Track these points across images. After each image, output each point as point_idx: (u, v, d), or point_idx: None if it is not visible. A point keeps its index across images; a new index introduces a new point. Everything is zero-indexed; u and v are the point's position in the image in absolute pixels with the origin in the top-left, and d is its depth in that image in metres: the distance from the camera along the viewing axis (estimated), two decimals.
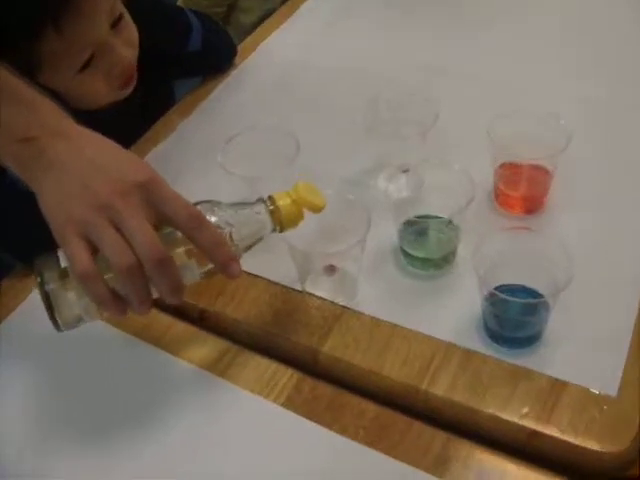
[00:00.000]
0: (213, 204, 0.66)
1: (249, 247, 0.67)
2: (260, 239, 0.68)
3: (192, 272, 0.64)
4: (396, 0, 1.26)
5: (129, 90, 0.97)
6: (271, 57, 1.17)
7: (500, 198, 0.84)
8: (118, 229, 0.58)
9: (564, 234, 0.73)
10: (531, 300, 0.67)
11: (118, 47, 0.91)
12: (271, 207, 0.67)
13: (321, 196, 0.69)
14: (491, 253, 0.69)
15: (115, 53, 0.91)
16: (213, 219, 0.64)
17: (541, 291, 0.69)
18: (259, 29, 1.24)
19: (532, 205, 0.84)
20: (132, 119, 1.09)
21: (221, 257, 0.62)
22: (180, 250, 0.63)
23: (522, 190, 0.84)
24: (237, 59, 1.16)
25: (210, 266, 0.64)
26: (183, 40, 1.08)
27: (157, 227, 0.61)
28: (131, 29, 0.94)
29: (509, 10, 1.20)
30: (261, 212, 0.67)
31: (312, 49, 1.17)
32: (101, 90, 0.94)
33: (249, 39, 1.22)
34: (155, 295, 0.62)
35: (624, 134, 0.92)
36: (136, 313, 0.62)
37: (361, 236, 0.70)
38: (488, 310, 0.70)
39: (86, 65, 0.89)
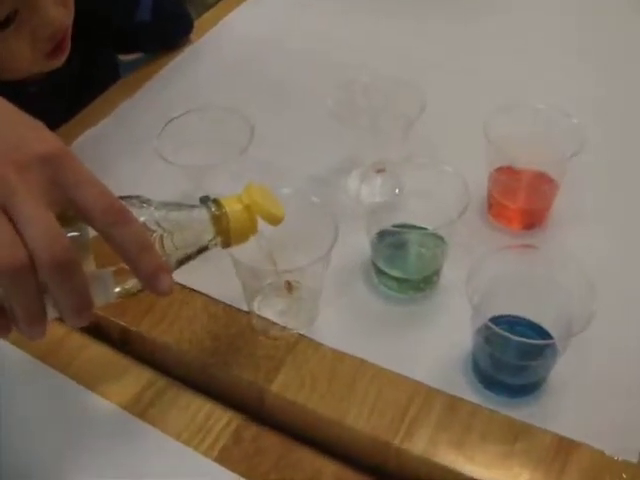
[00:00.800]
0: (141, 200, 0.50)
1: (182, 262, 0.52)
2: (197, 253, 0.52)
3: (106, 287, 0.48)
4: None
5: (60, 61, 0.82)
6: (232, 34, 1.02)
7: (494, 209, 0.70)
8: (7, 214, 0.42)
9: (572, 252, 0.59)
10: (536, 341, 0.53)
11: (47, 5, 0.76)
12: (216, 212, 0.51)
13: (279, 204, 0.54)
14: (487, 276, 0.55)
15: (43, 12, 0.76)
16: (140, 219, 0.48)
17: (549, 327, 0.56)
18: (222, 2, 1.09)
19: (532, 219, 0.70)
20: (67, 96, 0.94)
21: (147, 265, 0.46)
22: (92, 256, 0.47)
23: (521, 201, 0.70)
24: (194, 35, 1.02)
25: (131, 282, 0.49)
26: (130, 7, 0.93)
27: (62, 220, 0.45)
28: None
29: None
30: (202, 217, 0.51)
31: (280, 27, 1.03)
32: (24, 54, 0.78)
33: (209, 13, 1.07)
34: (53, 314, 0.47)
35: None
36: (24, 336, 0.46)
37: (325, 249, 0.56)
38: (480, 347, 0.56)
39: (7, 23, 0.74)
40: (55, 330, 0.64)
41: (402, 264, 0.64)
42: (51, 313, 0.45)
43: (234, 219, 0.51)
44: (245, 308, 0.63)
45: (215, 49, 0.98)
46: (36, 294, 0.43)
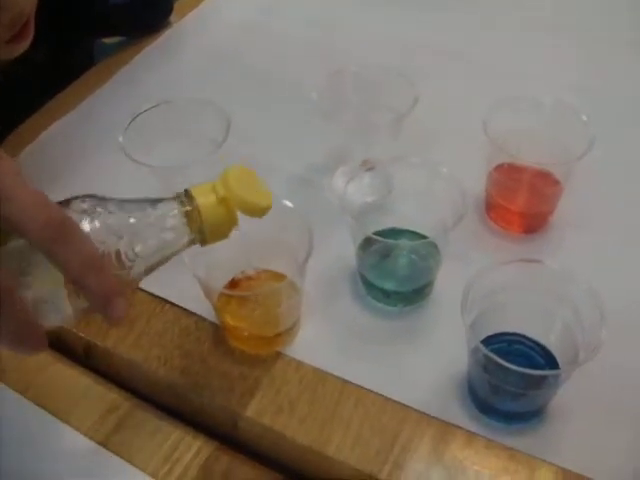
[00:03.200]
0: (94, 202, 0.42)
1: (150, 269, 0.44)
2: (170, 256, 0.44)
3: (56, 309, 0.41)
4: None
5: (22, 47, 0.74)
6: (215, 17, 0.95)
7: (493, 211, 0.65)
8: None
9: (577, 264, 0.53)
10: (536, 371, 0.47)
11: None
12: (187, 207, 0.43)
13: (264, 189, 0.46)
14: (484, 292, 0.50)
15: None
16: (89, 227, 0.41)
17: (552, 347, 0.51)
18: None
19: (533, 223, 0.64)
20: (37, 86, 0.87)
21: (96, 288, 0.40)
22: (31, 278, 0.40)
23: (521, 203, 0.65)
24: (173, 16, 0.95)
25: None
26: None
27: None
28: None
29: None
30: (171, 215, 0.43)
31: (266, 9, 0.96)
32: None
33: None
34: None
35: None
36: None
37: (298, 265, 0.51)
38: (476, 371, 0.51)
39: None
40: None
41: (391, 274, 0.59)
42: None
43: (208, 214, 0.43)
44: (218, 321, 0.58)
45: (195, 34, 0.92)
46: None
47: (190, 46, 0.90)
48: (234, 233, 0.46)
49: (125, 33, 0.93)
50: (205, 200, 0.43)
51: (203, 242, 0.45)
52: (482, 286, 0.49)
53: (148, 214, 0.43)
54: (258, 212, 0.45)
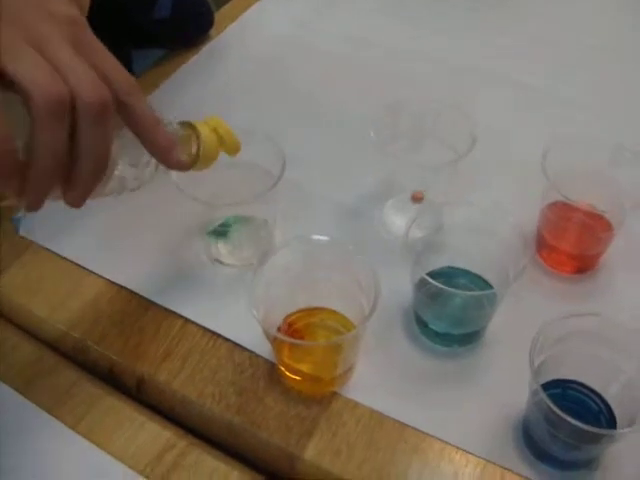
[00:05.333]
0: None
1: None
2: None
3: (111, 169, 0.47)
4: None
5: None
6: (256, 31, 0.95)
7: (544, 251, 0.64)
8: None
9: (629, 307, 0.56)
10: (592, 428, 0.46)
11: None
12: (192, 133, 0.53)
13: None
14: (550, 340, 0.50)
15: None
16: None
17: (613, 402, 0.51)
18: None
19: (584, 265, 0.64)
20: None
21: (164, 137, 0.48)
22: None
23: (572, 244, 0.64)
24: (212, 30, 0.94)
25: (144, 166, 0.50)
26: (148, 3, 0.86)
27: None
28: None
29: None
30: (181, 136, 0.52)
31: (312, 25, 0.95)
32: None
33: (229, 5, 1.00)
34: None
35: None
36: (24, 203, 0.43)
37: (364, 316, 0.51)
38: (534, 416, 0.51)
39: None
40: (65, 377, 0.58)
41: (446, 316, 0.58)
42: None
43: (206, 141, 0.52)
44: (273, 358, 0.57)
45: (236, 47, 0.91)
46: (65, 139, 0.41)
47: (231, 60, 0.90)
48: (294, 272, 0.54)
49: (167, 46, 0.92)
50: (203, 130, 0.52)
51: (193, 164, 0.53)
52: (549, 335, 0.49)
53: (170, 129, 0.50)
54: (236, 146, 0.55)
